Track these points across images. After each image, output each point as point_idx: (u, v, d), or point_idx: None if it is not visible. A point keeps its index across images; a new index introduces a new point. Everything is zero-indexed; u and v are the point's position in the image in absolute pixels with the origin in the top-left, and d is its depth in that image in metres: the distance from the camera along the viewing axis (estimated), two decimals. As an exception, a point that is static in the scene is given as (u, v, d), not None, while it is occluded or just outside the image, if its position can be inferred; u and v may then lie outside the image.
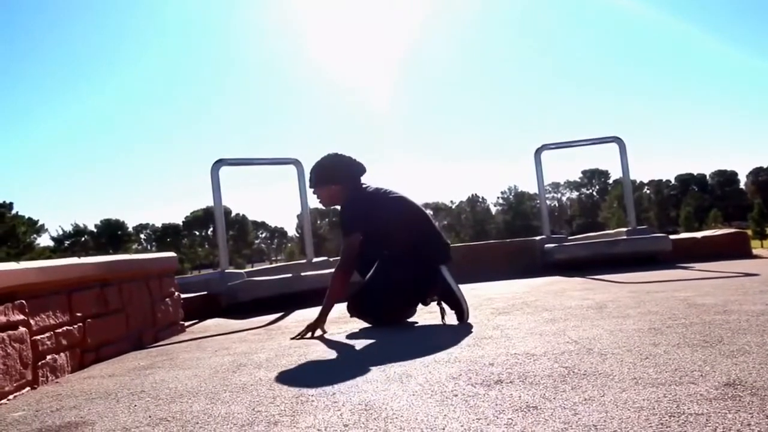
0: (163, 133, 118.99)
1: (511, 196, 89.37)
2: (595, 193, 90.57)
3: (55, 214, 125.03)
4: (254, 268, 5.62)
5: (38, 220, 65.99)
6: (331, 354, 2.35)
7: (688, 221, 61.76)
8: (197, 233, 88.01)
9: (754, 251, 6.58)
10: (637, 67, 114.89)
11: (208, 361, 2.39)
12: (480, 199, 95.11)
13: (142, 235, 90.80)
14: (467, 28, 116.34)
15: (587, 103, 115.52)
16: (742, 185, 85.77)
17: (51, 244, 68.38)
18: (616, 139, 5.89)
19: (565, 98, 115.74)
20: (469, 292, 4.14)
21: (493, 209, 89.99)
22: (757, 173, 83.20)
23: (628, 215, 6.18)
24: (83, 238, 73.76)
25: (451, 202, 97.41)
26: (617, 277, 4.36)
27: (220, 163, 4.97)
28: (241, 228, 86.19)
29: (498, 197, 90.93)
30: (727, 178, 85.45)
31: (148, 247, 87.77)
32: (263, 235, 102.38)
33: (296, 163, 5.43)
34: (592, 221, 72.29)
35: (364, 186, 3.10)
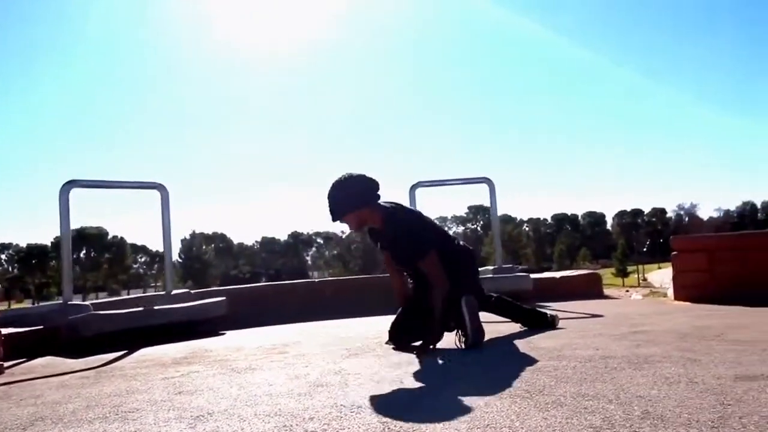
0: (30, 148, 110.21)
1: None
2: (479, 228, 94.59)
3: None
4: (103, 300, 5.17)
5: None
6: (145, 406, 2.13)
7: (560, 258, 66.02)
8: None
9: (606, 291, 7.05)
10: (520, 112, 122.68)
11: (1, 414, 2.08)
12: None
13: (2, 256, 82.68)
14: (348, 65, 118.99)
15: (468, 144, 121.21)
16: (609, 226, 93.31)
17: None
18: (486, 180, 6.10)
19: (445, 138, 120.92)
20: (332, 329, 4.05)
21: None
22: (621, 215, 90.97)
23: (495, 253, 6.39)
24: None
25: (342, 232, 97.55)
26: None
27: (70, 184, 4.55)
28: (118, 251, 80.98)
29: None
30: (596, 219, 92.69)
31: (9, 269, 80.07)
32: (143, 259, 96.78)
33: (160, 187, 5.11)
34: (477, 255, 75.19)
35: (389, 202, 3.06)
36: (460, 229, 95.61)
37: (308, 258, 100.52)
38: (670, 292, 5.34)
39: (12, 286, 74.10)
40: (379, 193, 3.00)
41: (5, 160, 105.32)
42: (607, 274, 62.74)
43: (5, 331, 4.13)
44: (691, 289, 4.91)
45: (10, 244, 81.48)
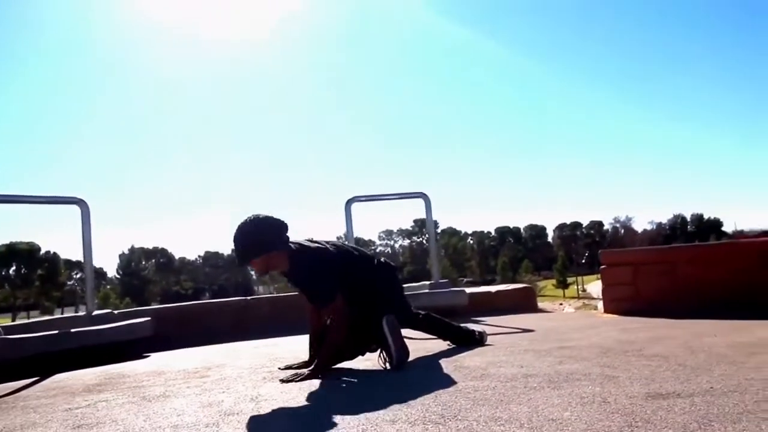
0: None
1: (346, 242, 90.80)
2: (425, 242, 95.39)
3: None
4: (19, 322, 4.86)
5: None
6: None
7: (504, 270, 67.28)
8: (-5, 273, 77.28)
9: (541, 304, 7.16)
10: (462, 126, 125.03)
11: None
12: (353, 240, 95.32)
13: None
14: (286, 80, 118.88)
15: (410, 160, 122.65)
16: (550, 238, 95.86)
17: None
18: (422, 195, 6.11)
19: (385, 154, 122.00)
20: (263, 349, 3.91)
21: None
22: (561, 228, 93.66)
23: (431, 268, 6.39)
24: None
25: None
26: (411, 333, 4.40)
27: (-22, 200, 4.27)
28: (51, 267, 77.34)
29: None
30: (538, 231, 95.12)
31: (-68, 287, 75.18)
32: (78, 275, 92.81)
33: (80, 203, 4.87)
34: (422, 268, 75.63)
35: (296, 243, 2.94)
36: (406, 242, 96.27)
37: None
38: (601, 305, 5.46)
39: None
40: (287, 234, 2.92)
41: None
42: (548, 285, 64.42)
43: None
44: (619, 302, 5.02)
45: (-69, 261, 76.66)
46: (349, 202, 6.01)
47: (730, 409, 1.65)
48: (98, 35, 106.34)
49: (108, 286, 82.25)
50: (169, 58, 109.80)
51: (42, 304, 76.13)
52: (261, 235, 2.82)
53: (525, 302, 6.35)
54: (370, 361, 3.04)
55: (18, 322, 5.36)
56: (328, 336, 2.85)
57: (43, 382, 3.40)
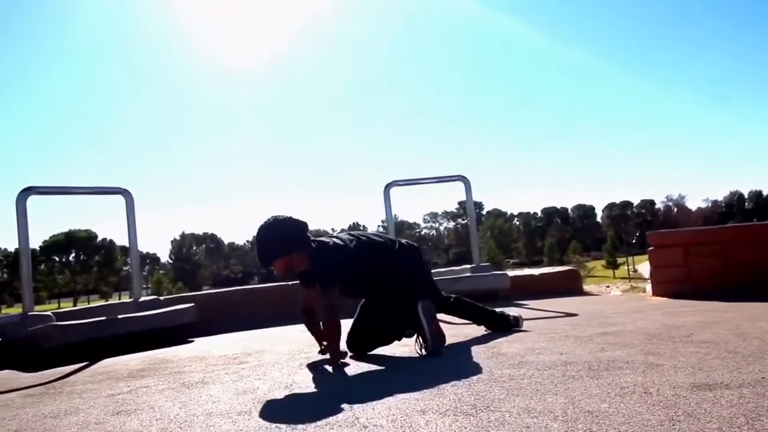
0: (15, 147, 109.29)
1: (368, 232, 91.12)
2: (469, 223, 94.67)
3: None
4: (67, 309, 5.04)
5: None
6: None
7: (551, 251, 66.18)
8: (57, 259, 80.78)
9: (587, 287, 6.98)
10: (509, 108, 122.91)
11: None
12: (362, 227, 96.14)
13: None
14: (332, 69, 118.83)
15: (456, 142, 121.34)
16: (599, 218, 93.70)
17: None
18: (462, 178, 6.01)
19: (431, 135, 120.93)
20: (304, 335, 3.91)
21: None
22: (611, 208, 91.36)
23: (472, 252, 6.31)
24: None
25: (332, 229, 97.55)
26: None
27: (28, 191, 4.42)
28: (107, 254, 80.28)
29: (378, 226, 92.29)
30: (586, 212, 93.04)
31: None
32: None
33: (124, 193, 4.99)
34: (467, 250, 75.11)
35: (316, 241, 2.96)
36: (451, 224, 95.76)
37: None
38: (649, 288, 5.28)
39: (2, 290, 73.39)
40: (308, 234, 2.91)
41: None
42: (597, 266, 63.06)
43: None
44: (668, 284, 4.84)
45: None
46: (388, 186, 5.97)
47: (782, 402, 1.55)
48: (142, 16, 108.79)
49: (161, 271, 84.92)
50: (217, 42, 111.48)
51: (100, 289, 79.32)
52: (281, 237, 2.83)
53: (570, 285, 6.20)
54: (407, 347, 3.01)
55: (77, 307, 5.56)
56: (328, 324, 2.83)
57: (91, 368, 3.51)
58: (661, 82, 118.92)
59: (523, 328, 3.36)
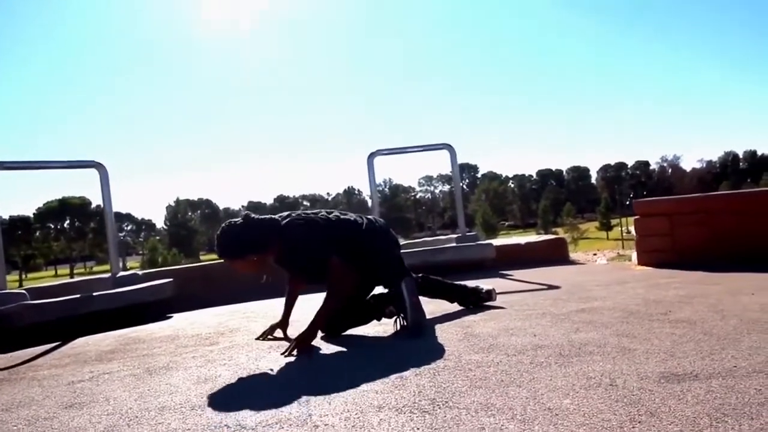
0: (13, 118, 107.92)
1: (386, 189, 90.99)
2: (465, 186, 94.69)
3: None
4: (42, 285, 4.96)
5: None
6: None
7: (545, 213, 66.26)
8: (52, 226, 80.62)
9: (574, 255, 6.94)
10: (500, 68, 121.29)
11: None
12: (356, 191, 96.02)
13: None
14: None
15: (447, 105, 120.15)
16: (593, 180, 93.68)
17: None
18: (447, 146, 5.88)
19: (422, 99, 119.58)
20: (278, 310, 3.83)
21: (369, 201, 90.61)
22: (606, 169, 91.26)
23: (458, 221, 6.22)
24: None
25: (328, 194, 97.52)
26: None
27: (-4, 166, 4.27)
28: (102, 221, 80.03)
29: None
30: (581, 173, 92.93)
31: (-7, 241, 78.84)
32: (129, 227, 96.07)
33: (98, 166, 4.85)
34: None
35: (283, 216, 2.81)
36: (446, 188, 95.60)
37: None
38: (635, 257, 5.22)
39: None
40: (268, 233, 2.71)
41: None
42: (591, 228, 63.28)
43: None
44: (653, 254, 4.77)
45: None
46: (371, 156, 5.85)
47: (751, 398, 1.47)
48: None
49: (157, 237, 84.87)
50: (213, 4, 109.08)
51: (96, 255, 79.39)
52: (234, 240, 2.67)
53: (556, 254, 6.14)
54: (382, 326, 2.94)
55: (54, 282, 5.46)
56: (329, 297, 2.70)
57: (62, 349, 3.44)
58: (657, 40, 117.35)
59: (501, 305, 3.28)
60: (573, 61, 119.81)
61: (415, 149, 6.09)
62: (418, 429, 1.47)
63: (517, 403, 1.59)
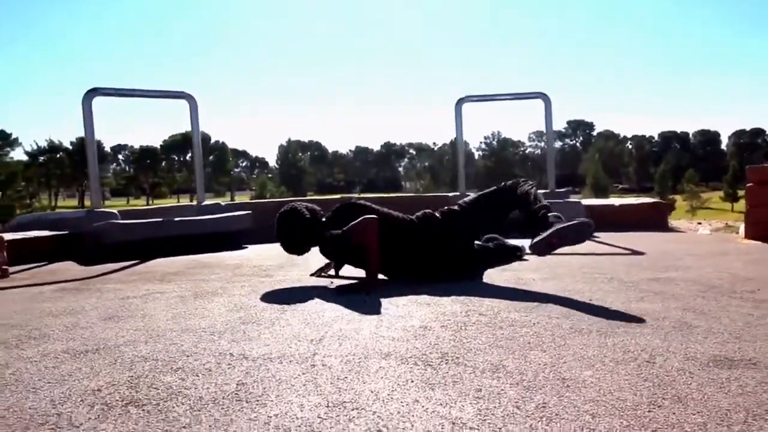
0: (145, 55, 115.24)
1: (494, 142, 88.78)
2: (578, 144, 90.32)
3: (30, 128, 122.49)
4: (135, 208, 5.27)
5: (11, 134, 64.34)
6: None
7: (662, 179, 61.84)
8: (176, 158, 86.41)
9: (675, 223, 6.37)
10: (624, 27, 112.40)
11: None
12: (464, 143, 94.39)
13: (120, 156, 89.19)
14: None
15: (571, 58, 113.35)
16: (723, 146, 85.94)
17: (25, 158, 66.91)
18: (541, 95, 5.51)
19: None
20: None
21: (476, 154, 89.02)
22: (739, 135, 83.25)
23: (548, 177, 5.87)
24: (58, 155, 71.80)
25: (434, 143, 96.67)
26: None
27: (93, 93, 4.50)
28: (220, 156, 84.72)
29: (481, 142, 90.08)
30: (710, 138, 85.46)
31: (126, 168, 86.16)
32: (244, 164, 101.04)
33: (188, 97, 5.00)
34: (570, 173, 71.79)
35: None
36: (558, 144, 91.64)
37: (401, 169, 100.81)
38: (742, 229, 4.69)
39: (128, 184, 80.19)
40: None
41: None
42: (714, 197, 58.35)
43: (28, 234, 4.29)
44: (764, 226, 4.25)
45: (126, 145, 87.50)
46: (459, 102, 5.60)
47: (812, 397, 1.22)
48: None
49: (269, 175, 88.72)
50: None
51: (213, 188, 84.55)
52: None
53: (654, 219, 5.65)
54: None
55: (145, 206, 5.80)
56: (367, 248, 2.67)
57: (137, 267, 3.63)
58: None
59: (568, 265, 3.05)
60: (707, 19, 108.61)
61: (507, 97, 5.77)
62: (411, 382, 1.37)
63: (530, 368, 1.43)
